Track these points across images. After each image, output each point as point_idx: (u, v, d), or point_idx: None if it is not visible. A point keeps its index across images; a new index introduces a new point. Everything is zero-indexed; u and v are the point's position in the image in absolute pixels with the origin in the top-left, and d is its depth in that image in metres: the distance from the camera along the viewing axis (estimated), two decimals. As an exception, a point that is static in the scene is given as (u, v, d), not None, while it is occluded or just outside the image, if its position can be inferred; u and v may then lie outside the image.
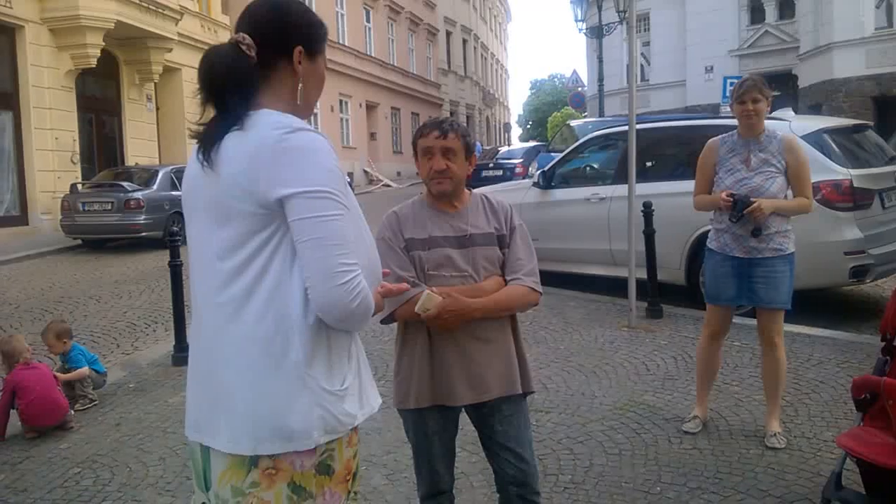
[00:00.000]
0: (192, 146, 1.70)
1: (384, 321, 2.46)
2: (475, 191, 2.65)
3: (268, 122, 1.58)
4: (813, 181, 6.19)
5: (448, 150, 2.45)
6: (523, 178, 17.03)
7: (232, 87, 1.61)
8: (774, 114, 7.62)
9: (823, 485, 3.42)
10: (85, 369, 5.13)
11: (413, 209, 2.55)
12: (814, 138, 6.58)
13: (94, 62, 16.39)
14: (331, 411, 1.61)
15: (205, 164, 1.61)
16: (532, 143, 31.01)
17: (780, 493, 3.41)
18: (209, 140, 1.62)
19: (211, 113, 1.66)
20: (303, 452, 1.59)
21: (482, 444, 2.64)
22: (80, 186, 14.25)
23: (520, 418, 2.56)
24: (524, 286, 2.47)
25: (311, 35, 1.73)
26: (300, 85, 1.70)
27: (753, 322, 6.29)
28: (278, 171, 1.53)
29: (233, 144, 1.58)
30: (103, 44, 16.44)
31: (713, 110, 18.61)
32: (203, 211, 1.65)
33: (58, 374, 4.98)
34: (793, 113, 7.57)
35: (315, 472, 1.61)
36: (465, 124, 2.55)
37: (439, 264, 2.45)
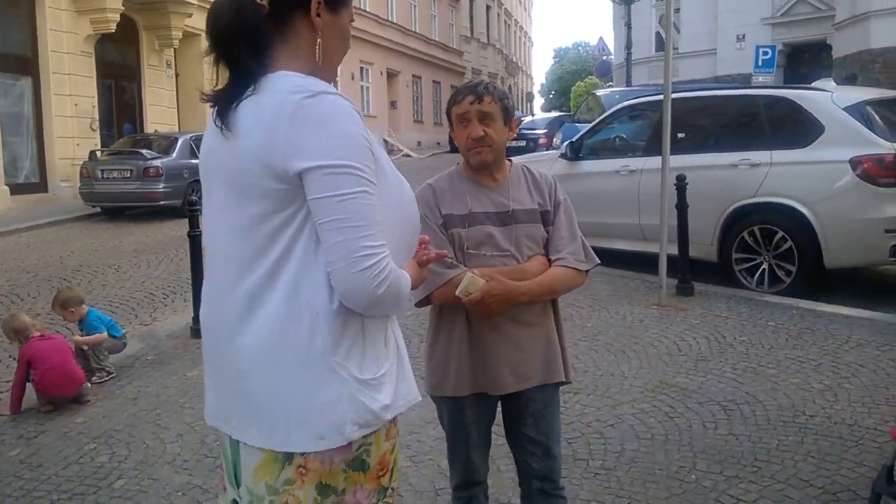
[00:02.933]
0: (210, 113, 1.53)
1: (419, 304, 2.27)
2: (515, 161, 2.45)
3: (285, 85, 1.41)
4: (855, 155, 6.04)
5: (485, 115, 2.24)
6: (547, 149, 16.77)
7: (241, 39, 1.45)
8: (815, 84, 7.36)
9: (867, 475, 3.28)
10: (103, 334, 5.05)
11: (450, 182, 2.36)
12: (857, 110, 6.33)
13: (113, 27, 16.23)
14: (364, 403, 1.46)
15: (223, 128, 1.45)
16: (556, 114, 30.53)
17: (822, 484, 3.24)
18: (225, 102, 1.46)
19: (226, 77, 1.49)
20: (336, 449, 1.44)
21: (507, 434, 2.47)
22: (99, 154, 14.17)
23: (553, 410, 2.40)
24: (570, 268, 2.29)
25: None
26: (319, 40, 1.52)
27: (787, 301, 6.17)
28: (297, 141, 1.37)
29: (249, 112, 1.42)
30: (123, 8, 16.25)
31: (745, 80, 18.17)
32: (223, 184, 1.49)
33: (75, 339, 4.95)
34: (834, 83, 7.29)
35: (345, 468, 1.47)
36: (501, 87, 2.34)
37: (480, 243, 2.26)
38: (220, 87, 1.50)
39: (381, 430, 1.51)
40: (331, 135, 1.38)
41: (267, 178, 1.40)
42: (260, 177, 1.40)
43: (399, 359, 1.59)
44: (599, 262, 2.44)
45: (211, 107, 1.51)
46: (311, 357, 1.43)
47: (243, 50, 1.45)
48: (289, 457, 1.44)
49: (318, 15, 1.51)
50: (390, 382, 1.53)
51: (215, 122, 1.48)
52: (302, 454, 1.44)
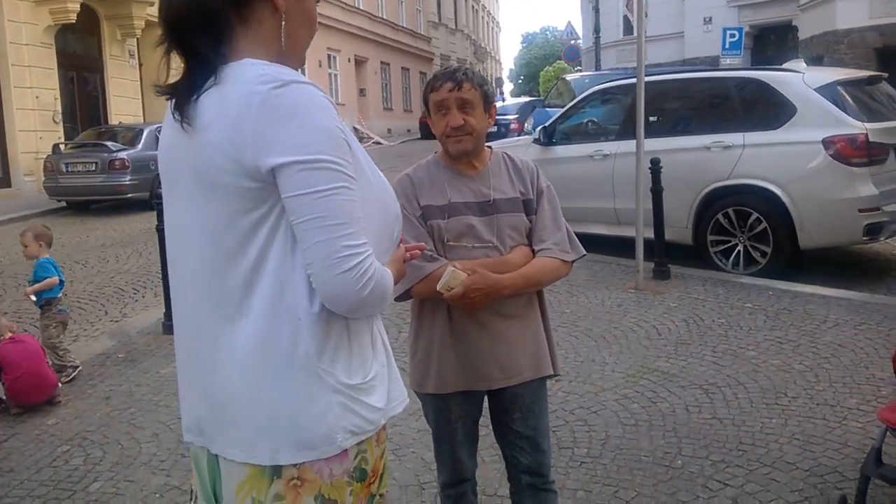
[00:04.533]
0: (167, 107, 1.40)
1: (398, 298, 2.18)
2: (495, 147, 2.38)
3: (252, 75, 1.30)
4: (827, 135, 6.06)
5: (465, 102, 2.16)
6: (518, 134, 16.74)
7: (197, 24, 1.33)
8: (786, 65, 7.39)
9: (852, 456, 3.29)
10: (55, 278, 4.90)
11: (428, 171, 2.27)
12: (828, 90, 6.35)
13: (73, 17, 15.91)
14: (354, 409, 1.38)
15: (183, 122, 1.34)
16: (526, 99, 30.53)
17: (808, 466, 3.24)
18: (183, 94, 1.34)
19: (180, 68, 1.38)
20: (331, 458, 1.36)
21: (494, 429, 2.41)
22: (62, 147, 13.87)
23: (541, 405, 2.34)
24: (555, 258, 2.22)
25: None
26: (283, 24, 1.41)
27: (764, 282, 6.19)
28: (268, 135, 1.26)
29: (212, 104, 1.31)
30: (83, -3, 15.91)
31: (712, 63, 18.23)
32: (187, 182, 1.38)
33: (28, 289, 4.90)
34: (804, 64, 7.32)
35: (349, 480, 1.39)
36: (479, 72, 2.26)
37: (460, 234, 2.18)
38: (174, 78, 1.39)
39: (373, 435, 1.44)
40: (304, 127, 1.28)
41: (236, 176, 1.29)
42: (228, 174, 1.30)
43: (387, 358, 1.51)
44: (585, 253, 2.38)
45: (167, 99, 1.40)
46: (295, 365, 1.34)
47: (200, 37, 1.34)
48: (277, 470, 1.36)
49: None
50: (381, 384, 1.45)
51: (174, 116, 1.36)
52: (295, 465, 1.35)
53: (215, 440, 1.42)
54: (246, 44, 1.39)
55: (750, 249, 6.58)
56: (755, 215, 6.46)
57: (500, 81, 56.24)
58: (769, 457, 3.34)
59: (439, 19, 43.39)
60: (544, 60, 64.23)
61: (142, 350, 5.33)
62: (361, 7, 32.55)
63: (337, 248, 1.28)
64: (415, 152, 22.66)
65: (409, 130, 34.80)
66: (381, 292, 1.36)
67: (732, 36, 17.58)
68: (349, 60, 31.21)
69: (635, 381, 4.26)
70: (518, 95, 61.46)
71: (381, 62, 35.22)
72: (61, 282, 4.98)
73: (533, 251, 2.24)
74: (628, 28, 26.04)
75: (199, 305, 1.40)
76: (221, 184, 1.31)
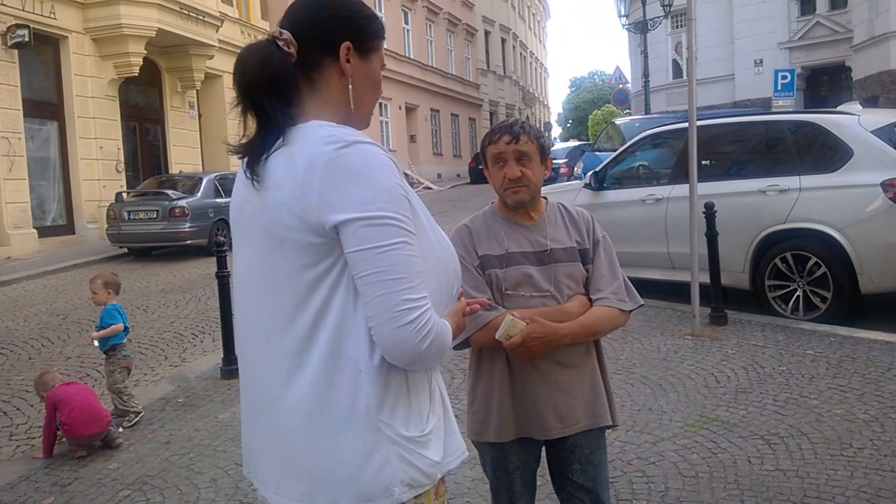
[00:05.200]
0: (239, 164, 1.49)
1: (457, 347, 2.18)
2: (550, 198, 2.41)
3: (318, 136, 1.36)
4: (886, 178, 5.95)
5: (522, 154, 2.21)
6: (568, 178, 16.73)
7: (268, 88, 1.40)
8: (841, 107, 7.29)
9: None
10: (120, 325, 5.03)
11: (485, 222, 2.31)
12: (885, 132, 6.25)
13: (136, 70, 16.55)
14: (412, 462, 1.40)
15: (254, 180, 1.40)
16: (575, 143, 30.55)
17: (877, 521, 3.12)
18: (254, 154, 1.41)
19: (253, 127, 1.45)
20: None
21: (553, 481, 2.38)
22: (125, 195, 14.33)
23: (600, 455, 2.31)
24: (613, 307, 2.22)
25: (361, 29, 1.50)
26: (350, 87, 1.47)
27: (825, 328, 6.04)
28: (332, 194, 1.31)
29: (280, 164, 1.38)
30: (145, 52, 16.57)
31: (764, 105, 18.11)
32: (257, 236, 1.44)
33: (93, 334, 5.03)
34: (859, 106, 7.22)
35: None
36: (536, 125, 2.30)
37: (518, 283, 2.20)
38: (246, 138, 1.46)
39: (431, 488, 1.45)
40: (366, 185, 1.33)
41: (302, 232, 1.35)
42: (295, 230, 1.35)
43: (445, 411, 1.53)
44: (643, 303, 2.38)
45: (239, 158, 1.48)
46: (355, 417, 1.37)
47: (271, 100, 1.41)
48: None
49: (348, 61, 1.47)
50: (438, 438, 1.46)
51: (246, 174, 1.44)
52: None
53: (275, 487, 1.45)
54: (313, 105, 1.46)
55: (809, 294, 6.43)
56: (814, 259, 6.33)
57: (548, 126, 56.50)
58: (836, 511, 3.23)
59: (488, 66, 43.96)
60: (592, 104, 64.52)
61: (200, 395, 5.43)
62: (412, 56, 33.20)
63: (397, 301, 1.31)
64: (464, 197, 22.83)
65: (458, 175, 35.11)
66: (439, 345, 1.38)
67: (784, 78, 17.43)
68: (400, 108, 31.75)
69: (694, 430, 4.18)
70: (566, 139, 61.58)
71: (431, 109, 35.75)
72: (126, 328, 5.12)
73: (590, 300, 2.25)
74: (677, 71, 26.05)
75: (263, 355, 1.45)
76: (288, 239, 1.37)
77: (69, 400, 4.42)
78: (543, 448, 2.35)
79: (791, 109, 14.18)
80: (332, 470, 1.38)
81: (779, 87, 17.44)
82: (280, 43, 1.43)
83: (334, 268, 1.36)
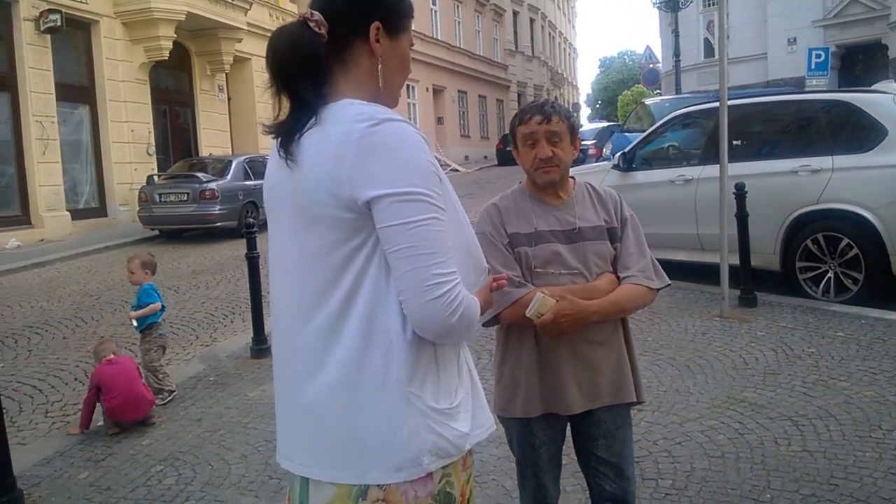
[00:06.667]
0: (272, 144, 1.52)
1: (487, 324, 2.20)
2: (578, 178, 2.41)
3: (350, 114, 1.39)
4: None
5: (553, 134, 2.22)
6: (597, 160, 16.62)
7: (300, 69, 1.43)
8: (875, 86, 7.15)
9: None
10: (157, 304, 5.12)
11: (514, 200, 2.33)
12: (923, 111, 6.10)
13: (166, 54, 16.67)
14: (441, 433, 1.43)
15: (288, 159, 1.43)
16: (604, 124, 30.30)
17: (906, 503, 3.10)
18: (287, 134, 1.45)
19: (286, 107, 1.48)
20: (416, 481, 1.41)
21: (578, 456, 2.41)
22: (156, 178, 14.51)
23: (625, 431, 2.34)
24: (640, 285, 2.23)
25: (390, 9, 1.52)
26: (380, 66, 1.50)
27: (855, 310, 5.97)
28: (364, 170, 1.34)
29: (313, 143, 1.41)
30: (175, 36, 16.68)
31: (797, 84, 17.76)
32: (291, 215, 1.47)
33: (131, 314, 5.13)
34: (895, 85, 7.07)
35: (432, 502, 1.43)
36: (565, 105, 2.31)
37: (547, 261, 2.22)
38: (280, 117, 1.49)
39: (459, 460, 1.48)
40: (397, 162, 1.36)
41: (335, 208, 1.38)
42: (328, 206, 1.38)
43: (473, 385, 1.56)
44: (670, 282, 2.38)
45: (273, 138, 1.50)
46: (387, 388, 1.40)
47: (304, 81, 1.44)
48: (363, 491, 1.40)
49: (378, 41, 1.50)
50: (466, 411, 1.50)
51: (279, 154, 1.47)
52: (380, 487, 1.40)
53: (305, 462, 1.48)
54: (345, 85, 1.48)
55: (841, 276, 6.36)
56: (846, 241, 6.25)
57: (577, 107, 56.04)
58: (863, 492, 3.21)
59: (516, 47, 43.64)
60: (622, 84, 63.77)
61: (231, 374, 5.52)
62: (440, 37, 33.05)
63: (427, 275, 1.34)
64: (492, 179, 22.76)
65: (485, 157, 34.99)
66: (468, 319, 1.41)
67: (818, 56, 17.09)
68: (427, 90, 31.67)
69: (721, 411, 4.16)
70: (595, 120, 61.08)
71: (459, 90, 35.61)
72: (162, 307, 5.22)
73: (618, 278, 2.26)
74: (709, 51, 25.64)
75: (297, 330, 1.48)
76: (321, 216, 1.40)
77: (112, 386, 4.49)
78: (569, 426, 2.37)
79: (825, 88, 13.92)
80: (363, 440, 1.41)
81: (812, 66, 17.12)
82: (311, 24, 1.45)
83: (367, 243, 1.39)
